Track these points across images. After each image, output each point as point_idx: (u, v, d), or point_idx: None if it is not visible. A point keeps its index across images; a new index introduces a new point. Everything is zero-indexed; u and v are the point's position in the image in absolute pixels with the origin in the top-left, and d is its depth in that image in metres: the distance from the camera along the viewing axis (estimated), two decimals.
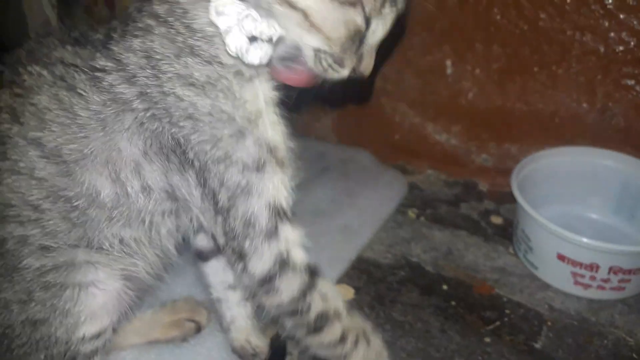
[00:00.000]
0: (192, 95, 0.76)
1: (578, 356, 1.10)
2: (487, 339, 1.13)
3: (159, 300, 1.13)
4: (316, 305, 0.85)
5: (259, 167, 0.79)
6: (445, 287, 1.27)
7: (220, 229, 0.83)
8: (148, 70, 0.77)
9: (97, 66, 0.79)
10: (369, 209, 1.50)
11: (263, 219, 0.80)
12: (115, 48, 0.79)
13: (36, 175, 0.79)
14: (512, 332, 1.15)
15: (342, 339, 0.88)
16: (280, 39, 0.75)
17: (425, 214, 1.53)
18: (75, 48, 0.81)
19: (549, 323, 1.17)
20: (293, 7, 0.72)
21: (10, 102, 0.81)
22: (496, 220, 1.50)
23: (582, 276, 1.20)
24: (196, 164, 0.79)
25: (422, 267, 1.33)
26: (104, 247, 0.84)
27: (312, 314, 0.85)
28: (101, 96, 0.78)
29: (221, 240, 0.84)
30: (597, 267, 1.17)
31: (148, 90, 0.77)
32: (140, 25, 0.78)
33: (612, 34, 1.35)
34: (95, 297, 0.84)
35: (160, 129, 0.78)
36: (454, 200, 1.59)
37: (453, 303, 1.22)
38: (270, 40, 0.74)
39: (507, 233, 1.43)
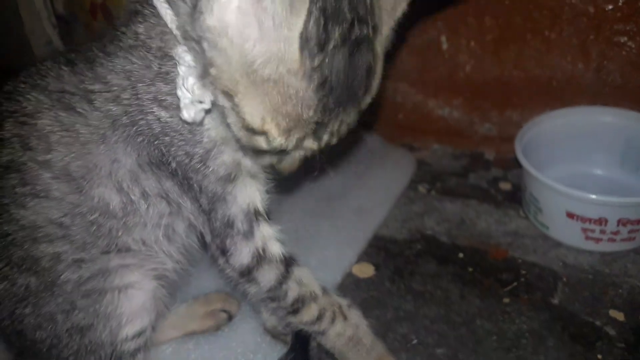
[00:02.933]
0: (166, 117, 0.82)
1: (595, 307, 1.14)
2: (506, 300, 1.17)
3: (191, 294, 1.18)
4: (292, 291, 0.94)
5: (231, 179, 0.86)
6: (461, 255, 1.31)
7: (207, 228, 0.91)
8: (129, 91, 0.82)
9: (88, 88, 0.84)
10: (381, 188, 1.55)
11: (239, 221, 0.89)
12: (100, 69, 0.84)
13: (52, 195, 0.84)
14: (529, 290, 1.19)
15: (319, 317, 0.97)
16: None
17: (435, 187, 1.57)
18: (69, 69, 0.86)
19: (564, 279, 1.21)
20: (227, 99, 0.72)
21: (17, 131, 0.85)
22: (505, 186, 1.54)
23: (592, 231, 1.24)
24: (179, 172, 0.86)
25: (437, 239, 1.37)
26: (132, 250, 0.90)
27: (290, 299, 0.94)
28: (96, 112, 0.84)
29: (208, 237, 0.92)
30: (606, 221, 1.21)
31: (130, 109, 0.83)
32: (122, 45, 0.83)
33: None
34: (133, 298, 0.90)
35: (146, 141, 0.84)
36: (462, 171, 1.63)
37: (470, 269, 1.27)
38: (202, 106, 0.76)
39: (516, 197, 1.47)
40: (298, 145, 0.76)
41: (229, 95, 0.70)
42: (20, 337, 0.90)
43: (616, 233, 1.23)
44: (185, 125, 0.82)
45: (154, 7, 0.79)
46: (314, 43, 0.65)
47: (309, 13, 0.63)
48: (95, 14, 1.89)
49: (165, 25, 0.78)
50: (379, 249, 1.36)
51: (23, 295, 0.86)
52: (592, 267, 1.24)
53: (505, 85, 1.57)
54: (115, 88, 0.83)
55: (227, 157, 0.85)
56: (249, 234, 0.90)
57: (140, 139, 0.84)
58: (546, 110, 1.48)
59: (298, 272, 0.96)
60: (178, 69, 0.75)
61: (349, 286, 1.25)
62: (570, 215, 1.24)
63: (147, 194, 0.88)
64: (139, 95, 0.82)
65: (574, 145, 1.46)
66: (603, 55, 1.44)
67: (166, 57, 0.80)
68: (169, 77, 0.80)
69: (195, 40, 0.70)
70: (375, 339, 1.02)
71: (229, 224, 0.89)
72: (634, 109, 1.41)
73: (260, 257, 0.91)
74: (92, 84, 0.84)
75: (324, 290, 0.99)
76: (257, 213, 0.91)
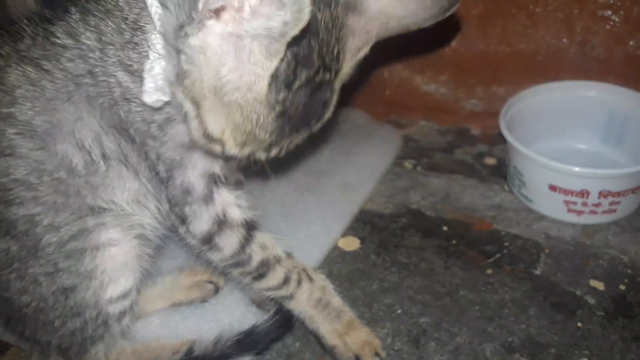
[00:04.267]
0: (129, 82, 0.82)
1: (576, 277, 1.16)
2: (489, 271, 1.19)
3: (177, 266, 1.19)
4: (256, 255, 0.95)
5: (191, 147, 0.86)
6: (445, 228, 1.33)
7: (164, 196, 0.92)
8: (97, 52, 0.82)
9: (59, 42, 0.83)
10: (367, 164, 1.55)
11: (199, 186, 0.90)
12: (73, 27, 0.84)
13: (17, 153, 0.84)
14: (512, 262, 1.21)
15: (286, 280, 0.98)
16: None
17: (421, 163, 1.58)
18: (43, 26, 0.85)
19: (547, 250, 1.23)
20: (193, 107, 0.76)
21: None
22: (490, 161, 1.55)
23: (575, 203, 1.26)
24: (137, 139, 0.86)
25: (422, 213, 1.39)
26: (106, 209, 0.89)
27: (254, 263, 0.96)
28: (63, 70, 0.83)
29: (166, 206, 0.93)
30: (588, 193, 1.23)
31: (95, 70, 0.83)
32: (99, 7, 0.83)
33: None
34: (115, 256, 0.90)
35: (106, 104, 0.84)
36: (447, 147, 1.64)
37: (454, 242, 1.28)
38: (163, 97, 0.79)
39: (501, 172, 1.48)
40: (249, 155, 0.83)
41: (195, 104, 0.75)
42: (7, 303, 0.90)
43: (597, 205, 1.25)
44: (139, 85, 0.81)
45: None
46: (282, 81, 0.74)
47: (283, 58, 0.71)
48: None
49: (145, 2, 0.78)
50: (364, 223, 1.37)
51: (6, 260, 0.86)
52: (574, 239, 1.26)
53: (491, 60, 1.58)
54: (85, 47, 0.82)
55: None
56: (208, 199, 0.91)
57: (101, 100, 0.84)
58: (531, 85, 1.48)
59: (260, 236, 0.97)
60: (149, 52, 0.77)
61: (335, 259, 1.26)
62: (553, 188, 1.26)
63: (108, 156, 0.87)
64: (106, 58, 0.82)
65: (557, 120, 1.47)
66: (587, 30, 1.45)
67: (139, 30, 0.81)
68: (138, 48, 0.81)
69: (174, 49, 0.73)
70: (344, 303, 1.04)
71: (188, 191, 0.90)
72: (617, 83, 1.42)
73: (221, 222, 0.92)
74: (63, 40, 0.83)
75: (288, 254, 1.01)
76: (216, 178, 0.91)
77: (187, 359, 0.94)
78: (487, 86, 1.62)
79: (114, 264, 0.90)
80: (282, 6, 0.64)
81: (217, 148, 0.80)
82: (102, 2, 0.84)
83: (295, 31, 0.66)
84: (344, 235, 1.33)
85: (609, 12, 1.41)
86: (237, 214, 0.95)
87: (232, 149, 0.80)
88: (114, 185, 0.89)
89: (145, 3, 0.77)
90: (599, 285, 1.14)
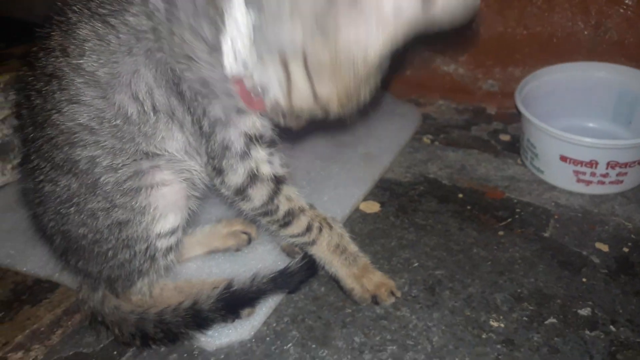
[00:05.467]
0: (194, 41, 0.90)
1: (582, 240, 1.24)
2: (501, 232, 1.28)
3: (215, 217, 1.29)
4: (283, 205, 1.06)
5: (239, 110, 0.96)
6: (460, 195, 1.41)
7: (203, 149, 1.00)
8: (163, 13, 0.90)
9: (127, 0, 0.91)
10: (387, 138, 1.64)
11: (238, 144, 0.98)
12: None
13: (82, 100, 0.93)
14: (522, 225, 1.29)
15: (309, 227, 1.08)
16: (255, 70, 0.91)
17: (439, 138, 1.67)
18: None
19: (556, 216, 1.32)
20: (286, 70, 0.89)
21: (60, 40, 0.93)
22: (504, 137, 1.64)
23: (584, 173, 1.34)
24: (187, 94, 0.94)
25: (439, 182, 1.47)
26: (159, 154, 0.99)
27: (281, 212, 1.06)
28: (127, 26, 0.91)
29: (204, 158, 1.02)
30: (596, 163, 1.31)
31: (159, 27, 0.90)
32: None
33: None
34: (166, 195, 1.00)
35: (164, 59, 0.92)
36: (464, 125, 1.72)
37: (468, 207, 1.37)
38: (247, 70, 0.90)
39: (515, 148, 1.57)
40: (339, 114, 0.94)
41: (307, 73, 0.87)
42: (65, 235, 1.00)
43: (605, 175, 1.33)
44: (206, 50, 0.90)
45: None
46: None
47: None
48: None
49: None
50: (384, 189, 1.46)
51: (67, 196, 0.96)
52: (582, 207, 1.34)
53: (509, 41, 1.66)
54: (152, 5, 0.90)
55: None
56: (245, 156, 1.00)
57: (159, 55, 0.92)
58: (546, 66, 1.56)
59: (287, 189, 1.07)
60: (226, 23, 0.86)
61: (357, 220, 1.35)
62: (563, 158, 1.34)
63: (157, 108, 0.96)
64: (174, 19, 0.89)
65: (570, 99, 1.55)
66: (602, 13, 1.52)
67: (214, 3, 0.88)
68: (210, 15, 0.88)
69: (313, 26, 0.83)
70: (359, 249, 1.13)
71: (227, 147, 0.98)
72: (629, 65, 1.50)
73: (254, 176, 1.02)
74: None
75: (310, 205, 1.11)
76: (254, 137, 1.00)
77: (226, 293, 1.03)
78: (504, 67, 1.70)
79: (165, 201, 1.00)
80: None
81: (318, 111, 0.93)
82: None
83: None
84: (365, 199, 1.42)
85: None
86: (267, 170, 1.04)
87: (335, 109, 0.92)
88: (163, 135, 0.98)
89: None
90: (604, 248, 1.22)
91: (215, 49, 0.90)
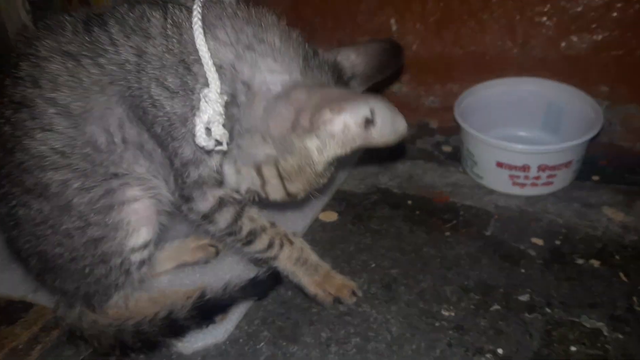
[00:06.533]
0: (159, 95, 0.98)
1: (520, 236, 1.38)
2: (447, 233, 1.41)
3: (183, 233, 1.36)
4: (246, 226, 1.15)
5: (209, 152, 1.04)
6: (409, 202, 1.54)
7: (172, 179, 1.08)
8: (134, 66, 0.98)
9: (100, 47, 0.98)
10: None
11: (210, 179, 1.08)
12: (115, 35, 0.98)
13: (55, 129, 1.00)
14: (466, 226, 1.43)
15: (270, 244, 1.18)
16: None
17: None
18: (84, 27, 1.00)
19: (496, 216, 1.46)
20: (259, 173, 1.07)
21: (31, 71, 1.00)
22: (447, 148, 1.78)
23: (518, 177, 1.48)
24: (160, 134, 1.02)
25: (389, 191, 1.60)
26: (127, 174, 1.06)
27: (244, 232, 1.15)
28: (100, 68, 0.98)
29: (172, 186, 1.09)
30: (529, 167, 1.46)
31: (130, 77, 0.98)
32: (148, 27, 0.98)
33: None
34: (137, 211, 1.07)
35: (137, 103, 1.00)
36: (410, 139, 1.86)
37: (417, 212, 1.49)
38: (219, 147, 0.99)
39: (456, 157, 1.71)
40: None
41: (279, 177, 1.06)
42: (41, 256, 1.06)
43: (537, 178, 1.48)
44: (179, 108, 0.99)
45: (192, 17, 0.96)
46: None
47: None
48: (70, 0, 2.03)
49: (192, 39, 0.95)
50: (341, 200, 1.57)
51: (42, 218, 1.02)
52: (519, 207, 1.48)
53: (447, 60, 1.81)
54: (124, 57, 0.98)
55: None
56: (220, 184, 1.10)
57: (131, 100, 0.99)
58: (480, 82, 1.72)
59: (249, 211, 1.16)
60: (202, 104, 0.94)
61: (317, 228, 1.45)
62: (499, 164, 1.49)
63: (127, 140, 1.03)
64: (143, 72, 0.97)
65: (502, 110, 1.71)
66: (527, 33, 1.69)
67: (182, 63, 0.97)
68: (179, 72, 0.97)
69: (282, 143, 1.01)
70: (319, 259, 1.23)
71: (199, 182, 1.07)
72: (553, 79, 1.67)
73: (222, 202, 1.11)
74: (104, 45, 0.98)
75: (272, 223, 1.20)
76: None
77: (200, 301, 1.11)
78: (443, 84, 1.85)
79: (137, 216, 1.07)
80: (392, 132, 0.94)
81: (287, 199, 1.11)
82: (152, 21, 0.99)
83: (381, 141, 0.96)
84: (324, 210, 1.53)
85: (545, 19, 1.65)
86: (235, 194, 1.13)
87: (301, 196, 1.12)
88: (131, 162, 1.05)
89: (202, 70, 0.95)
90: (539, 242, 1.36)
91: (185, 104, 0.99)
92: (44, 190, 1.02)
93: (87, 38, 1.00)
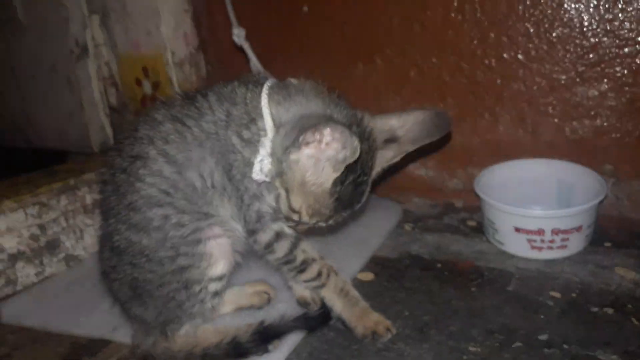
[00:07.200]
0: (237, 144, 1.26)
1: (539, 290, 1.53)
2: (473, 289, 1.57)
3: (244, 280, 1.56)
4: (299, 256, 1.37)
5: (268, 189, 1.29)
6: (439, 265, 1.72)
7: (242, 216, 1.32)
8: (223, 123, 1.27)
9: (201, 112, 1.29)
10: (375, 226, 1.98)
11: (267, 214, 1.31)
12: (212, 104, 1.29)
13: (163, 174, 1.26)
14: (490, 283, 1.59)
15: (319, 273, 1.39)
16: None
17: (417, 226, 2.00)
18: (190, 101, 1.31)
19: (517, 276, 1.62)
20: (284, 191, 1.25)
21: (147, 132, 1.29)
22: (471, 223, 1.98)
23: (535, 241, 1.66)
24: (236, 177, 1.28)
25: (420, 257, 1.78)
26: (213, 215, 1.30)
27: (298, 261, 1.37)
28: (199, 129, 1.27)
29: (242, 223, 1.33)
30: (543, 231, 1.64)
31: (220, 131, 1.27)
32: (235, 97, 1.29)
33: (527, 79, 1.92)
34: (219, 245, 1.29)
35: (222, 152, 1.27)
36: (437, 215, 2.07)
37: (446, 273, 1.67)
38: (266, 179, 1.25)
39: (480, 230, 1.90)
40: (314, 223, 1.29)
41: (286, 189, 1.23)
42: (133, 282, 1.27)
43: (552, 242, 1.65)
44: (251, 154, 1.26)
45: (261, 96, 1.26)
46: (339, 181, 1.20)
47: (342, 171, 1.18)
48: (145, 104, 2.40)
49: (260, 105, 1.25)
50: (376, 264, 1.76)
51: (139, 249, 1.25)
52: (537, 269, 1.65)
53: (467, 148, 2.07)
54: (217, 117, 1.27)
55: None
56: (276, 219, 1.32)
57: (219, 149, 1.27)
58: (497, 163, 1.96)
59: (303, 244, 1.38)
60: (260, 147, 1.23)
61: (355, 286, 1.59)
62: (517, 229, 1.68)
63: (214, 185, 1.29)
64: (229, 127, 1.27)
65: (519, 189, 1.91)
66: (536, 123, 1.95)
67: (253, 121, 1.26)
68: (250, 127, 1.25)
69: (278, 158, 1.21)
70: (359, 295, 1.42)
71: (261, 215, 1.31)
72: (561, 159, 1.90)
73: (279, 234, 1.34)
74: (204, 109, 1.28)
75: (321, 257, 1.41)
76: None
77: (260, 327, 1.31)
78: (464, 168, 2.10)
79: (219, 250, 1.29)
80: (344, 147, 1.12)
81: (295, 217, 1.26)
82: (238, 92, 1.30)
83: (351, 160, 1.14)
84: (361, 271, 1.71)
85: (550, 108, 1.92)
86: (289, 230, 1.36)
87: (305, 218, 1.26)
88: (217, 203, 1.30)
89: (264, 124, 1.24)
90: (557, 295, 1.51)
91: (252, 149, 1.26)
92: (147, 224, 1.25)
93: (192, 106, 1.30)
